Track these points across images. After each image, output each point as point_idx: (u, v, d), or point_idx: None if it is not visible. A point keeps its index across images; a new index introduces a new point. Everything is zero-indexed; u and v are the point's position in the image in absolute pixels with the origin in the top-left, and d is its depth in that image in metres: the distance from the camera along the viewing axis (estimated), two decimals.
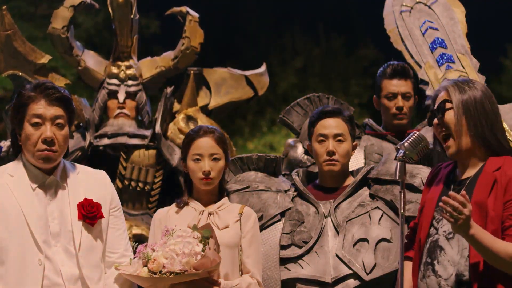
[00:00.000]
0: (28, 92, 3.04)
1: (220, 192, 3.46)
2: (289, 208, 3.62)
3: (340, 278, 3.43)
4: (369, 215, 3.52)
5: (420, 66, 4.36)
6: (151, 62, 5.48)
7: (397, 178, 3.00)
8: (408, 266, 3.12)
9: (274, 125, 12.40)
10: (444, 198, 2.77)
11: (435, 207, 3.05)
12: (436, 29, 4.41)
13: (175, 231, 3.12)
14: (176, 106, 5.47)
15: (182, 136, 5.12)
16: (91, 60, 5.39)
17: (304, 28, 13.75)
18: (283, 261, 3.52)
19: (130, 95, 5.30)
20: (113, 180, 3.58)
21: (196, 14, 5.39)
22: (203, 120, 5.35)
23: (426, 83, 4.31)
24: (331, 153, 3.56)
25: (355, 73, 13.49)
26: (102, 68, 5.36)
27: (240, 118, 12.82)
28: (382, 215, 3.52)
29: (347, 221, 3.51)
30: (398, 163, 3.01)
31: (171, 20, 5.61)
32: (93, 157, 5.12)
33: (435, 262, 2.98)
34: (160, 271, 3.01)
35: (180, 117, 5.36)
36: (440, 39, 4.36)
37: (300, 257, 3.50)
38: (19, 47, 5.08)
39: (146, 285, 3.14)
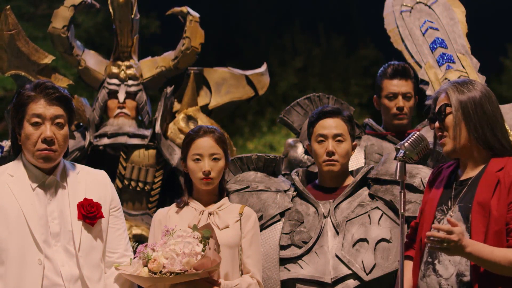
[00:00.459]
0: (27, 92, 3.04)
1: (220, 192, 3.46)
2: (289, 208, 3.62)
3: (340, 278, 3.43)
4: (369, 215, 3.52)
5: (420, 66, 4.36)
6: (152, 62, 5.47)
7: (397, 178, 3.00)
8: (408, 265, 3.12)
9: (274, 125, 12.40)
10: (427, 233, 2.80)
11: (436, 207, 3.05)
12: (436, 29, 4.41)
13: (175, 231, 3.12)
14: (176, 106, 5.47)
15: (182, 136, 5.12)
16: (91, 59, 5.38)
17: (304, 28, 13.75)
18: (283, 261, 3.52)
19: (130, 95, 5.29)
20: (113, 180, 3.58)
21: (196, 14, 5.38)
22: (203, 120, 5.35)
23: (426, 83, 4.31)
24: (330, 153, 3.56)
25: (355, 73, 13.49)
26: (103, 68, 5.36)
27: (240, 118, 12.82)
28: (381, 215, 3.52)
29: (346, 221, 3.51)
30: (398, 163, 3.01)
31: (172, 20, 5.60)
32: (93, 157, 5.12)
33: (436, 261, 2.98)
34: (160, 271, 3.01)
35: (180, 117, 5.36)
36: (440, 39, 4.36)
37: (300, 257, 3.50)
38: (22, 47, 5.07)
39: (146, 285, 3.14)
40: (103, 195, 3.14)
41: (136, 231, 5.12)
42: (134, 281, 3.12)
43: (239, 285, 3.24)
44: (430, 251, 3.01)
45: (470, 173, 3.03)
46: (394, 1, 4.54)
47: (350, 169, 3.77)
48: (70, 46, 5.23)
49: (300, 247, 3.51)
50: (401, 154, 3.02)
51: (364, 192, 3.63)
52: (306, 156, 4.46)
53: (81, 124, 5.27)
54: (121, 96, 5.26)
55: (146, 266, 3.03)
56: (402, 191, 2.98)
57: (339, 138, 3.58)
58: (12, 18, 5.00)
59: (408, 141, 3.05)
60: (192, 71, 5.45)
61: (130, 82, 5.30)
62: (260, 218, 3.57)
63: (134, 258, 3.10)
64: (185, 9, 5.39)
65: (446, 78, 4.18)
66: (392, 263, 3.41)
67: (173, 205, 3.45)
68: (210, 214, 3.36)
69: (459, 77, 4.13)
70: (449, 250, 2.79)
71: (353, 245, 3.45)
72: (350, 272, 3.42)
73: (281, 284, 3.50)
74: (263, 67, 5.63)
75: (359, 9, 13.24)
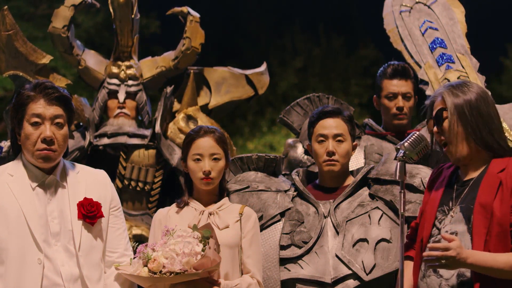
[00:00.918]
0: (27, 92, 3.05)
1: (221, 192, 3.46)
2: (289, 208, 3.62)
3: (340, 278, 3.42)
4: (369, 215, 3.52)
5: (420, 66, 4.35)
6: (152, 62, 5.47)
7: (397, 178, 3.00)
8: (409, 265, 3.12)
9: (274, 125, 12.40)
10: (424, 254, 2.81)
11: (437, 208, 3.05)
12: (436, 29, 4.41)
13: (175, 231, 3.12)
14: (176, 106, 5.47)
15: (182, 136, 5.12)
16: (91, 59, 5.38)
17: (304, 28, 13.76)
18: (283, 261, 3.52)
19: (130, 95, 5.29)
20: (113, 180, 3.58)
21: (197, 14, 5.38)
22: (203, 120, 5.35)
23: (426, 83, 4.31)
24: (331, 153, 3.56)
25: (355, 73, 13.50)
26: (103, 68, 5.36)
27: (240, 118, 12.82)
28: (381, 215, 3.52)
29: (346, 221, 3.51)
30: (398, 163, 3.01)
31: (172, 20, 5.60)
32: (93, 157, 5.12)
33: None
34: (160, 271, 3.01)
35: (180, 117, 5.36)
36: (439, 39, 4.36)
37: (300, 257, 3.50)
38: (20, 47, 5.07)
39: (146, 285, 3.14)
40: (103, 194, 3.14)
41: (136, 231, 5.12)
42: (134, 281, 3.12)
43: (239, 285, 3.24)
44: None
45: (471, 174, 3.03)
46: (393, 1, 4.53)
47: (350, 169, 3.77)
48: (70, 46, 5.23)
49: (300, 247, 3.51)
50: (401, 154, 3.02)
51: (364, 192, 3.62)
52: (306, 156, 4.46)
53: (81, 124, 5.27)
54: (121, 96, 5.26)
55: (146, 266, 3.03)
56: (402, 191, 2.98)
57: (339, 138, 3.58)
58: (9, 18, 4.99)
59: (408, 141, 3.05)
60: (192, 71, 5.45)
61: (130, 82, 5.30)
62: (260, 218, 3.56)
63: (134, 258, 3.11)
64: (185, 9, 5.39)
65: (445, 78, 4.18)
66: (392, 263, 3.41)
67: (173, 205, 3.45)
68: (210, 214, 3.36)
69: (458, 77, 4.12)
70: (449, 266, 2.81)
71: (353, 245, 3.45)
72: (350, 272, 3.42)
73: (281, 284, 3.49)
74: (263, 67, 5.62)
75: (359, 9, 13.24)
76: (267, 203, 3.64)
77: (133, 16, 5.20)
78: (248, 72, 5.58)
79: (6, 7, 5.03)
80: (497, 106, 3.17)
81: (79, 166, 3.21)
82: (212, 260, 3.02)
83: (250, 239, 3.34)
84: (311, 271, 3.45)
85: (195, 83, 5.46)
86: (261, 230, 3.53)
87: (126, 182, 5.18)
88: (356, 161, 4.21)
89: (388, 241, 3.46)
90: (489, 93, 3.20)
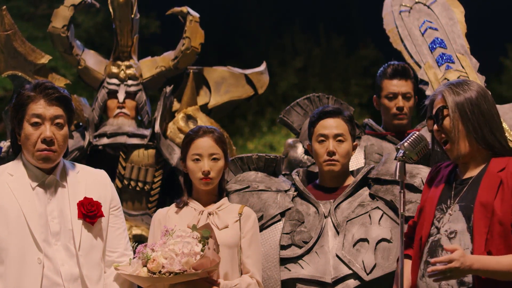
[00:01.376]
0: (27, 92, 3.05)
1: (220, 192, 3.46)
2: (289, 208, 3.62)
3: (340, 278, 3.42)
4: (369, 215, 3.52)
5: (420, 66, 4.35)
6: (151, 62, 5.47)
7: (397, 178, 3.00)
8: (407, 264, 3.11)
9: (274, 125, 12.40)
10: (428, 270, 2.81)
11: (436, 206, 3.04)
12: (436, 29, 4.40)
13: (175, 231, 3.12)
14: (176, 105, 5.46)
15: (181, 136, 5.12)
16: (91, 59, 5.38)
17: (304, 28, 13.76)
18: (283, 261, 3.52)
19: (130, 95, 5.29)
20: (112, 180, 3.58)
21: (196, 14, 5.38)
22: (202, 119, 5.34)
23: (426, 83, 4.31)
24: (331, 153, 3.56)
25: (355, 73, 13.50)
26: (102, 68, 5.36)
27: (240, 118, 12.82)
28: (382, 215, 3.52)
29: (347, 221, 3.51)
30: (398, 163, 3.01)
31: (172, 20, 5.60)
32: (93, 157, 5.12)
33: None
34: (160, 271, 3.01)
35: (179, 116, 5.36)
36: (439, 39, 4.36)
37: (300, 257, 3.50)
38: (19, 47, 5.07)
39: (146, 285, 3.14)
40: (103, 194, 3.14)
41: (136, 231, 5.12)
42: (133, 281, 3.12)
43: (239, 285, 3.23)
44: (430, 250, 3.00)
45: (470, 172, 3.03)
46: (393, 1, 4.53)
47: (350, 169, 3.77)
48: (70, 45, 5.23)
49: (300, 247, 3.51)
50: (401, 154, 3.02)
51: (365, 192, 3.62)
52: (306, 156, 4.46)
53: (80, 124, 5.27)
54: (121, 96, 5.26)
55: (146, 266, 3.03)
56: (402, 191, 2.98)
57: (339, 138, 3.58)
58: (8, 19, 4.99)
59: (408, 141, 3.05)
60: (191, 71, 5.45)
61: (129, 82, 5.30)
62: (260, 218, 3.56)
63: (134, 258, 3.10)
64: (185, 9, 5.39)
65: (445, 78, 4.18)
66: (392, 263, 3.41)
67: (173, 205, 3.45)
68: (209, 214, 3.36)
69: (458, 77, 4.12)
70: (455, 276, 2.81)
71: (354, 245, 3.45)
72: (350, 272, 3.42)
73: (282, 284, 3.49)
74: (263, 66, 5.62)
75: (359, 9, 13.24)
76: (267, 203, 3.64)
77: (132, 16, 5.20)
78: (248, 71, 5.58)
79: (4, 7, 5.03)
80: (497, 106, 3.16)
81: (79, 166, 3.21)
82: (211, 260, 3.02)
83: (249, 239, 3.34)
84: (312, 271, 3.45)
85: (194, 83, 5.46)
86: (261, 230, 3.53)
87: (125, 182, 5.18)
88: (356, 161, 4.20)
89: (388, 241, 3.46)
90: (489, 92, 3.20)
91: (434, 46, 4.34)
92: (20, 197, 2.99)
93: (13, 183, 3.02)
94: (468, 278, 2.89)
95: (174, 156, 5.15)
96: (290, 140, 4.70)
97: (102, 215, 3.09)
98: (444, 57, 4.28)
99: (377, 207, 3.54)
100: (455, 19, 4.44)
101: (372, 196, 3.59)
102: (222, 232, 3.28)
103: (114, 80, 5.29)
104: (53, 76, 5.25)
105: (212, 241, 3.08)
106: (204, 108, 5.49)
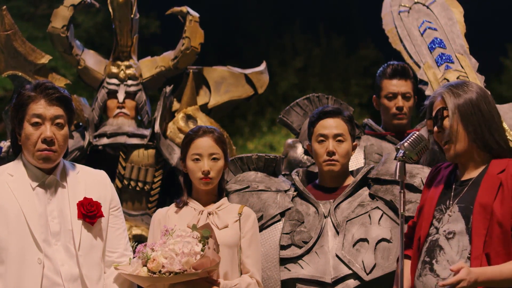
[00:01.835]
0: (28, 92, 3.05)
1: (220, 192, 3.46)
2: (289, 208, 3.62)
3: (340, 278, 3.42)
4: (369, 215, 3.52)
5: (419, 66, 4.35)
6: (151, 62, 5.47)
7: (397, 178, 3.00)
8: (406, 264, 3.11)
9: (274, 125, 12.41)
10: None
11: (435, 207, 3.05)
12: (435, 29, 4.40)
13: (175, 231, 3.12)
14: (176, 105, 5.47)
15: (181, 135, 5.12)
16: (91, 59, 5.38)
17: (304, 28, 13.76)
18: (283, 261, 3.52)
19: (129, 95, 5.29)
20: (112, 180, 3.58)
21: (196, 14, 5.38)
22: (202, 119, 5.34)
23: (426, 83, 4.31)
24: (331, 153, 3.56)
25: (355, 73, 13.51)
26: (102, 68, 5.36)
27: (240, 118, 12.82)
28: (382, 215, 3.52)
29: (347, 221, 3.51)
30: (398, 163, 3.01)
31: (171, 20, 5.60)
32: (92, 157, 5.12)
33: (433, 261, 2.98)
34: (160, 271, 3.01)
35: (179, 116, 5.36)
36: (438, 39, 4.36)
37: (300, 257, 3.50)
38: (19, 47, 5.07)
39: (146, 285, 3.14)
40: (103, 194, 3.14)
41: (136, 231, 5.12)
42: (133, 281, 3.12)
43: (238, 285, 3.24)
44: (428, 250, 3.00)
45: (470, 173, 3.03)
46: (392, 1, 4.53)
47: (350, 169, 3.77)
48: (70, 45, 5.23)
49: (300, 247, 3.51)
50: (401, 154, 3.02)
51: (365, 192, 3.62)
52: (305, 157, 4.46)
53: (80, 124, 5.27)
54: (121, 96, 5.26)
55: (145, 265, 3.03)
56: (402, 191, 2.98)
57: (339, 138, 3.58)
58: (8, 18, 5.00)
59: (408, 141, 3.05)
60: (191, 70, 5.45)
61: (129, 82, 5.30)
62: (260, 218, 3.57)
63: (134, 257, 3.11)
64: (184, 9, 5.39)
65: (445, 78, 4.18)
66: (392, 263, 3.41)
67: (173, 205, 3.45)
68: (209, 214, 3.36)
69: (458, 77, 4.12)
70: None
71: (354, 245, 3.45)
72: (350, 272, 3.42)
73: (282, 284, 3.50)
74: (262, 66, 5.63)
75: (359, 9, 13.24)
76: (267, 203, 3.64)
77: (132, 16, 5.20)
78: (248, 71, 5.58)
79: (5, 7, 5.03)
80: (497, 106, 3.16)
81: (79, 166, 3.21)
82: (211, 260, 3.02)
83: (249, 239, 3.34)
84: (311, 271, 3.45)
85: (194, 83, 5.46)
86: (261, 230, 3.54)
87: (125, 182, 5.18)
88: (356, 161, 4.21)
89: (388, 241, 3.46)
90: (489, 92, 3.20)
91: (434, 46, 4.34)
92: (20, 197, 2.99)
93: (13, 183, 3.02)
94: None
95: (174, 156, 5.15)
96: (289, 140, 4.70)
97: (102, 215, 3.09)
98: (444, 57, 4.28)
99: (377, 207, 3.55)
100: (454, 19, 4.44)
101: (372, 196, 3.59)
102: (222, 232, 3.29)
103: (114, 80, 5.29)
104: (53, 76, 5.25)
105: (212, 241, 3.08)
106: (204, 108, 5.49)
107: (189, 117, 5.36)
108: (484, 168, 3.00)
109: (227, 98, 5.56)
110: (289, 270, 3.50)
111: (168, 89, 5.30)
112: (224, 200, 3.44)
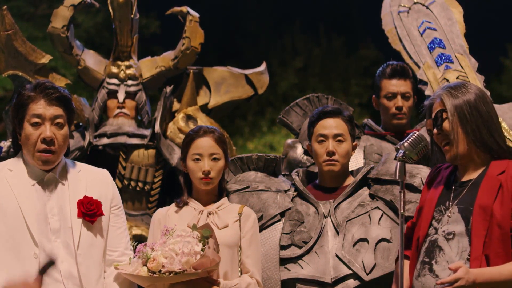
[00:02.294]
0: (28, 92, 3.05)
1: (220, 192, 3.46)
2: (289, 208, 3.62)
3: (340, 278, 3.43)
4: (369, 215, 3.52)
5: (419, 66, 4.35)
6: (151, 62, 5.47)
7: (397, 178, 3.00)
8: (405, 264, 3.11)
9: (274, 125, 12.41)
10: None
11: (434, 207, 3.05)
12: (434, 29, 4.40)
13: (175, 231, 3.12)
14: (176, 105, 5.47)
15: (181, 136, 5.12)
16: (91, 59, 5.38)
17: (304, 28, 13.77)
18: (283, 261, 3.52)
19: (129, 95, 5.29)
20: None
21: (196, 14, 5.38)
22: (202, 119, 5.35)
23: (425, 83, 4.31)
24: (331, 153, 3.57)
25: (355, 73, 13.51)
26: (102, 68, 5.36)
27: (240, 118, 12.83)
28: (382, 215, 3.52)
29: (347, 221, 3.51)
30: (398, 163, 3.01)
31: (171, 20, 5.60)
32: (93, 157, 5.12)
33: (433, 262, 2.98)
34: (160, 271, 3.01)
35: (179, 117, 5.36)
36: (438, 39, 4.36)
37: (300, 257, 3.50)
38: (19, 47, 5.07)
39: (146, 285, 3.14)
40: (104, 193, 3.15)
41: (136, 231, 5.12)
42: (133, 281, 3.12)
43: (238, 284, 3.24)
44: (427, 251, 3.00)
45: (470, 175, 3.03)
46: (391, 1, 4.53)
47: (350, 169, 3.77)
48: (70, 45, 5.23)
49: (300, 247, 3.51)
50: (401, 154, 3.02)
51: (365, 192, 3.63)
52: (305, 157, 4.46)
53: (80, 124, 5.27)
54: (121, 96, 5.26)
55: (145, 265, 3.03)
56: (402, 191, 2.98)
57: (339, 138, 3.58)
58: (8, 18, 5.00)
59: (408, 141, 3.06)
60: (191, 71, 5.45)
61: (129, 82, 5.30)
62: (260, 218, 3.57)
63: (134, 257, 3.11)
64: (184, 9, 5.39)
65: (444, 78, 4.18)
66: (392, 263, 3.41)
67: (173, 204, 3.45)
68: (209, 213, 3.36)
69: (457, 77, 4.12)
70: None
71: (353, 245, 3.45)
72: (350, 272, 3.42)
73: (281, 284, 3.50)
74: (263, 66, 5.63)
75: (359, 9, 13.24)
76: (267, 203, 3.64)
77: (132, 16, 5.20)
78: (248, 71, 5.58)
79: (5, 7, 5.03)
80: (497, 106, 3.17)
81: (81, 165, 3.21)
82: (211, 259, 3.03)
83: (249, 238, 3.34)
84: (311, 271, 3.45)
85: (194, 83, 5.46)
86: (261, 230, 3.54)
87: (126, 182, 5.19)
88: (356, 161, 4.21)
89: (388, 241, 3.46)
90: (488, 93, 3.20)
91: (433, 46, 4.34)
92: (18, 192, 3.00)
93: (12, 179, 3.03)
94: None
95: (174, 156, 5.15)
96: (289, 141, 4.70)
97: (102, 214, 3.09)
98: (443, 57, 4.29)
99: (377, 207, 3.55)
100: (454, 19, 4.44)
101: (372, 196, 3.59)
102: (222, 231, 3.29)
103: (114, 80, 5.29)
104: (54, 76, 5.25)
105: (212, 240, 3.08)
106: (204, 108, 5.49)
107: (189, 117, 5.36)
108: (484, 169, 3.00)
109: (227, 98, 5.56)
110: (289, 270, 3.50)
111: (168, 89, 5.30)
112: (224, 200, 3.45)
